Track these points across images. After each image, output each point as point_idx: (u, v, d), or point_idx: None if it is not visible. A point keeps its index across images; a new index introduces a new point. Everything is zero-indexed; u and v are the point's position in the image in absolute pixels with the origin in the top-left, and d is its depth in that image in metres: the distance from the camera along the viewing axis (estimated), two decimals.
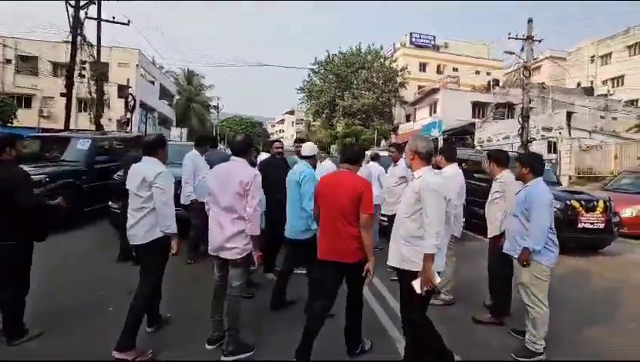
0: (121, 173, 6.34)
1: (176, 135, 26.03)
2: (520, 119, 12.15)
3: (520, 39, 12.54)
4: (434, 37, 41.70)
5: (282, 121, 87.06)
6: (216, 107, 40.34)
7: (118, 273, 4.45)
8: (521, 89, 12.77)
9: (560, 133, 13.49)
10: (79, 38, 12.20)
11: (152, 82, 30.95)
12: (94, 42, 13.32)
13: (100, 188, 6.98)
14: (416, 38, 41.19)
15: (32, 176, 3.16)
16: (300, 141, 4.80)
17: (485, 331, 3.32)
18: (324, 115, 34.74)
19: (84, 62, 13.15)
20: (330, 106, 33.09)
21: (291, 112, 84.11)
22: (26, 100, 25.76)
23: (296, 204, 3.37)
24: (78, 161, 6.92)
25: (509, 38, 12.81)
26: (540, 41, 12.66)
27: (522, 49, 12.22)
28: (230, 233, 2.61)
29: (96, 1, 13.09)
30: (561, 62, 38.30)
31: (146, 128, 23.26)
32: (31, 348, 2.70)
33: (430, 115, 24.21)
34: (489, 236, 3.54)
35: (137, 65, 26.71)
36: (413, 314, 2.40)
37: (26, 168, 3.27)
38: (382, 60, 33.16)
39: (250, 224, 2.58)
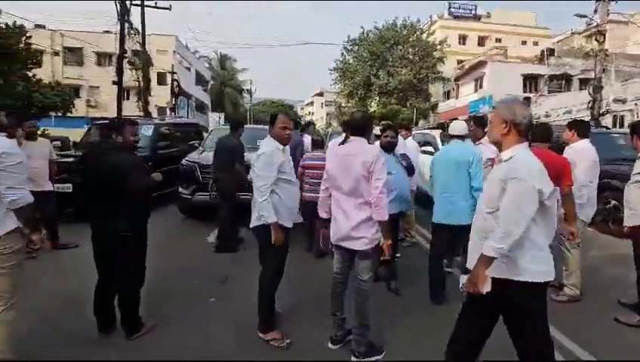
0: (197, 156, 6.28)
1: (215, 120, 26.31)
2: (590, 90, 10.95)
3: None
4: (475, 6, 38.96)
5: (311, 103, 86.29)
6: (250, 91, 40.38)
7: (202, 261, 4.38)
8: (594, 57, 11.46)
9: (636, 104, 12.05)
10: (126, 25, 12.25)
11: (188, 68, 31.27)
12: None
13: (164, 174, 7.00)
14: (455, 8, 38.68)
15: None
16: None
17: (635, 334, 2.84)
18: (358, 96, 33.74)
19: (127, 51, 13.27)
20: (364, 86, 32.01)
21: (320, 94, 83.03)
22: (74, 90, 27.01)
23: (461, 186, 3.10)
24: (144, 147, 6.93)
25: None
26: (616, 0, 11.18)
27: (595, 10, 10.80)
28: (357, 221, 2.32)
29: None
30: (624, 27, 34.66)
31: (187, 114, 23.69)
32: (147, 342, 2.61)
33: (476, 90, 22.75)
34: (630, 225, 3.03)
35: (174, 51, 26.97)
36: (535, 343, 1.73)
37: None
38: (418, 34, 31.41)
39: (377, 208, 2.28)
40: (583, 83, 21.23)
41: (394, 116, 27.18)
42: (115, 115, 12.03)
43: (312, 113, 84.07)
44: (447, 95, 33.15)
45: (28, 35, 11.01)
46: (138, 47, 13.79)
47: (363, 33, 32.21)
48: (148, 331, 2.67)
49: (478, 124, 4.23)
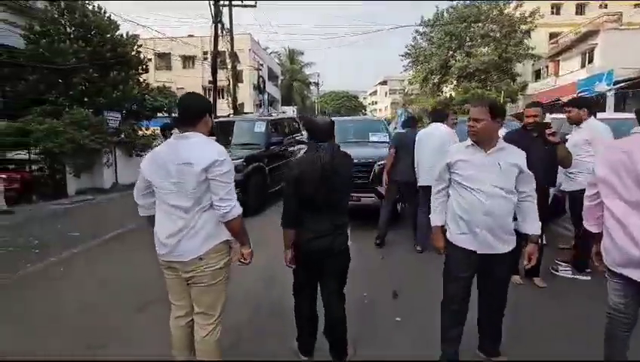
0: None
1: (290, 114, 26.78)
2: None
3: None
4: None
5: (375, 93, 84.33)
6: (317, 83, 40.52)
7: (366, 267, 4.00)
8: None
9: None
10: (219, 26, 12.72)
11: (261, 65, 32.27)
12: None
13: (277, 169, 6.99)
14: None
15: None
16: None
17: None
18: (433, 81, 31.74)
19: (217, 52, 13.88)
20: (441, 70, 29.94)
21: (384, 82, 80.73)
22: None
23: None
24: (258, 143, 6.99)
25: None
26: None
27: None
28: None
29: None
30: None
31: (268, 110, 24.53)
32: None
33: (583, 66, 19.66)
34: None
35: (249, 49, 27.93)
36: None
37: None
38: (502, 6, 28.25)
39: None
40: None
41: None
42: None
43: (376, 102, 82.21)
44: (537, 74, 29.52)
45: (139, 43, 12.03)
46: (223, 48, 14.35)
47: (437, 13, 30.05)
48: (351, 357, 2.39)
49: (579, 105, 3.59)
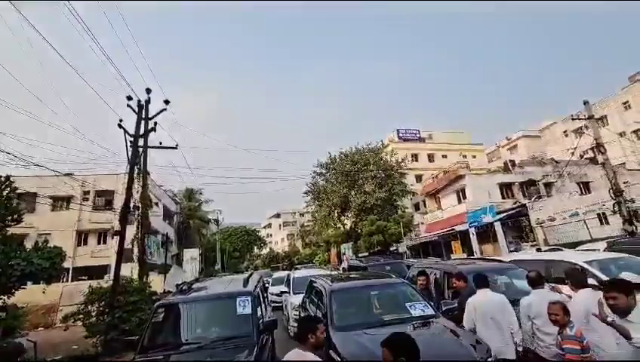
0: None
1: (191, 256, 23.38)
2: (612, 193, 11.70)
3: (582, 119, 13.09)
4: (418, 130, 45.25)
5: (269, 225, 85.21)
6: (217, 221, 38.42)
7: None
8: (602, 165, 12.72)
9: None
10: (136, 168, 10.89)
11: (156, 203, 29.22)
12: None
13: None
14: (402, 133, 44.47)
15: None
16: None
17: None
18: (335, 214, 34.00)
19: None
20: (342, 205, 32.57)
21: (277, 215, 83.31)
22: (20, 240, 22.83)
23: None
24: (246, 335, 4.80)
25: (573, 118, 13.42)
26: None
27: (581, 128, 12.49)
28: None
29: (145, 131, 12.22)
30: (537, 140, 42.26)
31: (153, 252, 20.71)
32: None
33: (459, 201, 23.98)
34: None
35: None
36: None
37: None
38: (381, 155, 34.43)
39: None
40: (548, 186, 23.74)
41: (383, 232, 27.02)
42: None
43: (271, 235, 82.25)
44: (416, 207, 34.84)
45: (14, 187, 9.01)
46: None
47: (331, 157, 34.48)
48: None
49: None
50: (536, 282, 4.04)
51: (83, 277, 22.41)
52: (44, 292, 11.38)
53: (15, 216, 9.12)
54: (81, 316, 9.08)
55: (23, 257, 8.35)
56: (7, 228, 8.95)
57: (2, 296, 8.07)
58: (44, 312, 17.18)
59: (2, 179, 9.07)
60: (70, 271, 23.78)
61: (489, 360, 3.29)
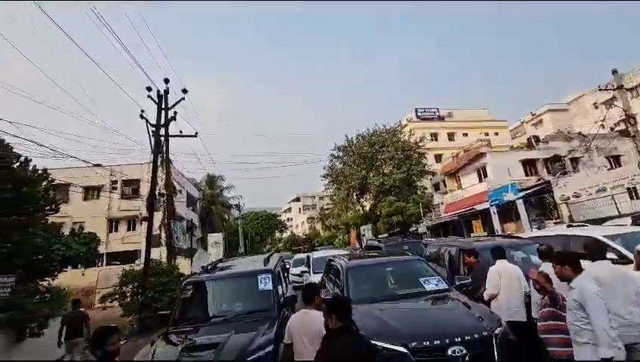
0: None
1: (215, 241, 24.26)
2: None
3: (610, 90, 12.47)
4: (437, 108, 44.08)
5: (289, 210, 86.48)
6: (238, 206, 39.41)
7: None
8: (632, 137, 12.16)
9: None
10: (159, 158, 11.36)
11: (180, 190, 30.25)
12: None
13: None
14: (421, 112, 43.47)
15: None
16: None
17: None
18: (353, 197, 34.14)
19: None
20: (360, 187, 32.60)
21: (297, 199, 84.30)
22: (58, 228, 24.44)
23: None
24: (266, 308, 5.12)
25: (600, 89, 12.80)
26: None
27: (612, 98, 11.91)
28: None
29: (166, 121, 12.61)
30: (563, 114, 40.31)
31: (179, 237, 21.69)
32: None
33: (480, 180, 23.52)
34: None
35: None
36: None
37: None
38: (400, 136, 33.94)
39: None
40: (574, 162, 22.87)
41: (402, 213, 27.03)
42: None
43: (291, 219, 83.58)
44: (436, 187, 34.39)
45: (50, 179, 9.66)
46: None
47: (348, 140, 34.28)
48: None
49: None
50: (546, 255, 4.15)
51: (116, 262, 23.76)
52: (83, 275, 12.23)
53: (53, 206, 9.80)
54: (117, 296, 9.81)
55: (62, 243, 9.04)
56: (47, 217, 9.65)
57: (47, 279, 8.81)
58: (83, 294, 18.45)
59: (40, 172, 9.72)
60: (104, 256, 25.23)
61: (497, 329, 3.43)
